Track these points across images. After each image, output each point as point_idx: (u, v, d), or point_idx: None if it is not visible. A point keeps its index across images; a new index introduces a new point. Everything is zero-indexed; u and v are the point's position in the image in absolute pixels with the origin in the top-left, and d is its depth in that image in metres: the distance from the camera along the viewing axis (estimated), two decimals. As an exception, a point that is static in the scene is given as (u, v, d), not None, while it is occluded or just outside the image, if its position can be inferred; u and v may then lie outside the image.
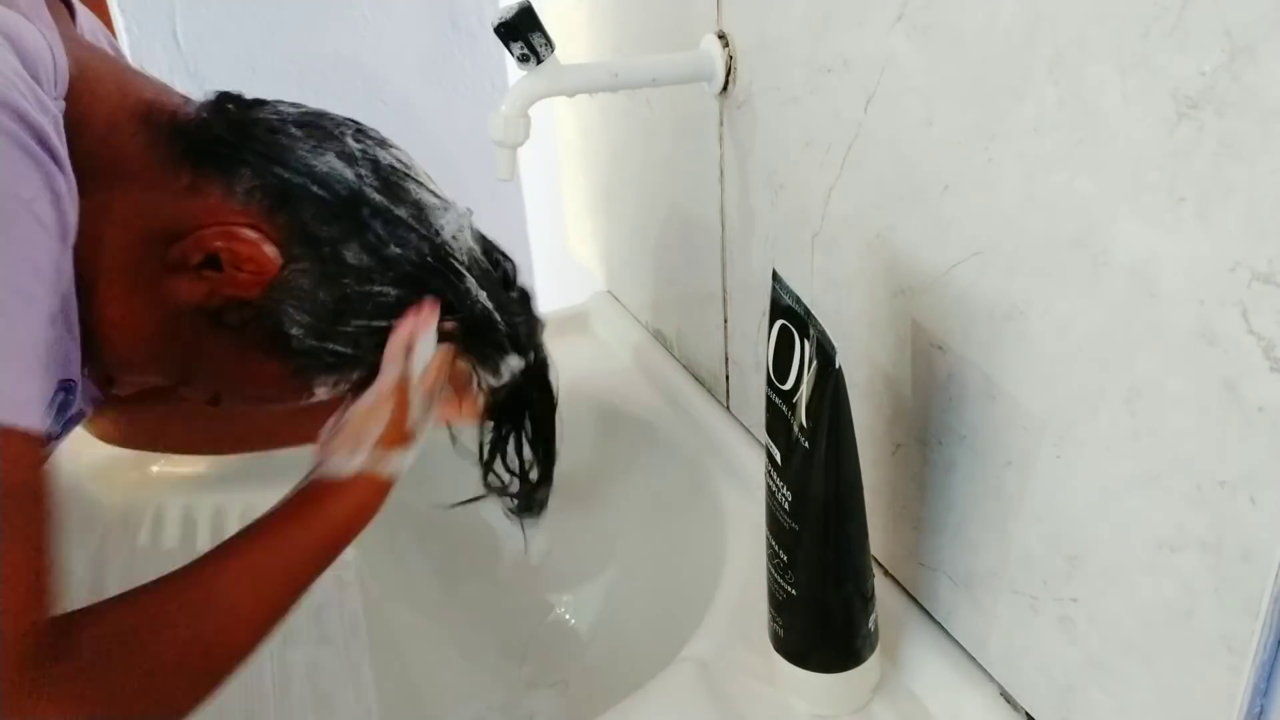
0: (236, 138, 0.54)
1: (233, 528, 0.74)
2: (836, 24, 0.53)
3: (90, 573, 0.73)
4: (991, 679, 0.53)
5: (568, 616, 0.87)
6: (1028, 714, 0.50)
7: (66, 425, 0.53)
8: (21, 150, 0.42)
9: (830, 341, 0.45)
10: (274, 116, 0.56)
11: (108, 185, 0.50)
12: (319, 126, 0.57)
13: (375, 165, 0.57)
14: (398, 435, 0.57)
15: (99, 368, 0.54)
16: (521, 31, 0.57)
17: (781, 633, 0.53)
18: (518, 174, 0.63)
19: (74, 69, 0.49)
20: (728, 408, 0.79)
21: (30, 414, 0.41)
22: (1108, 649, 0.44)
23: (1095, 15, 0.37)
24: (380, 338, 0.57)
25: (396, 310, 0.56)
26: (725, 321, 0.76)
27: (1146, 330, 0.38)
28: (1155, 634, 0.41)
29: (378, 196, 0.56)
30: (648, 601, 0.82)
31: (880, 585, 0.54)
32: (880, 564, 0.60)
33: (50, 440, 0.49)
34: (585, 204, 1.02)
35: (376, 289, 0.56)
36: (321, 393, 0.58)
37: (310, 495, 0.55)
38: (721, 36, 0.65)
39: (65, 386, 0.50)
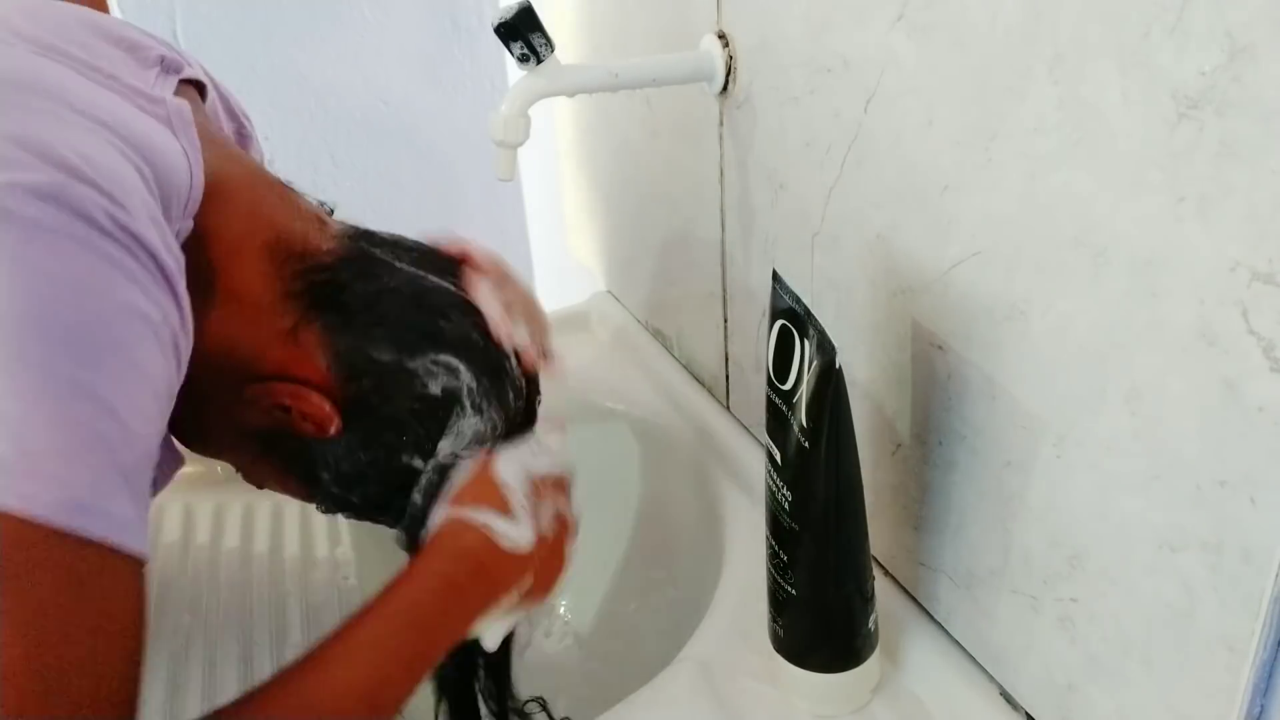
0: (358, 298, 0.54)
1: (233, 527, 0.74)
2: (836, 24, 0.53)
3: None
4: (991, 679, 0.53)
5: (568, 616, 0.87)
6: (1028, 714, 0.50)
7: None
8: (156, 277, 0.42)
9: (830, 341, 0.45)
10: (400, 282, 0.55)
11: (217, 304, 0.50)
12: (436, 309, 0.56)
13: (470, 380, 0.56)
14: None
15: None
16: (521, 31, 0.57)
17: (781, 633, 0.53)
18: (518, 174, 0.63)
19: (209, 180, 0.48)
20: (728, 408, 0.79)
21: (141, 539, 0.40)
22: (1108, 649, 0.44)
23: (1095, 15, 0.37)
24: (399, 500, 0.57)
25: (423, 482, 0.57)
26: (725, 321, 0.76)
27: (1146, 330, 0.38)
28: (1155, 634, 0.41)
29: (457, 408, 0.56)
30: (648, 601, 0.82)
31: (880, 585, 0.54)
32: (880, 564, 0.60)
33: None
34: (585, 204, 1.02)
35: (411, 464, 0.57)
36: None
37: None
38: (721, 36, 0.65)
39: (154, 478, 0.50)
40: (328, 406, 0.53)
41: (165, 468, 0.53)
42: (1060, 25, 0.39)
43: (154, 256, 0.42)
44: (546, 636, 0.86)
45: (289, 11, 1.13)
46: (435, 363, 0.55)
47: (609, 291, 1.01)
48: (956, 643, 0.55)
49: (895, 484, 0.57)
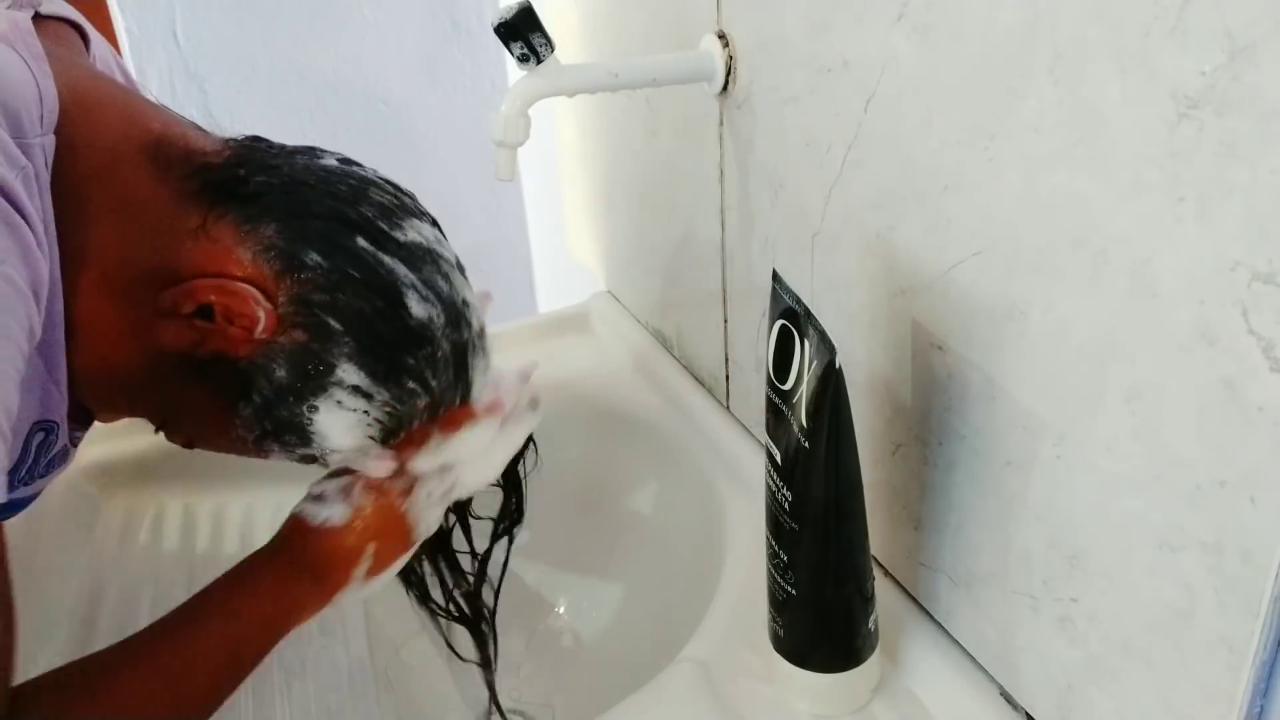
0: (270, 186, 0.51)
1: (233, 527, 0.74)
2: (836, 24, 0.53)
3: (90, 574, 0.73)
4: (991, 679, 0.53)
5: (568, 616, 0.87)
6: (1028, 714, 0.50)
7: (50, 465, 0.51)
8: None
9: (830, 341, 0.45)
10: (320, 172, 0.53)
11: (104, 218, 0.47)
12: (373, 200, 0.54)
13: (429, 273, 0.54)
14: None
15: (79, 402, 0.51)
16: (521, 31, 0.57)
17: (781, 633, 0.53)
18: (518, 174, 0.63)
19: (70, 98, 0.47)
20: (728, 408, 0.79)
21: None
22: (1108, 649, 0.44)
23: (1095, 15, 0.37)
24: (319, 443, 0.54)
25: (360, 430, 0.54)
26: (725, 321, 0.76)
27: (1146, 330, 0.38)
28: (1155, 634, 0.41)
29: (415, 311, 0.53)
30: (648, 601, 0.82)
31: (880, 585, 0.54)
32: (880, 564, 0.60)
33: (32, 483, 0.50)
34: (585, 204, 1.02)
35: (349, 402, 0.53)
36: (281, 458, 0.56)
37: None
38: (721, 36, 0.65)
39: (45, 427, 0.48)
40: (254, 294, 0.49)
41: (73, 429, 0.52)
42: (1060, 25, 0.39)
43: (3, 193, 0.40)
44: (546, 636, 0.86)
45: (289, 11, 1.13)
46: (389, 255, 0.52)
47: (609, 291, 1.01)
48: (956, 643, 0.55)
49: (895, 484, 0.57)
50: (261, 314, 0.49)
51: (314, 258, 0.51)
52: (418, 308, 0.53)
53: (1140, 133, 0.36)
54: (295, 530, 0.56)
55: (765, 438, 0.50)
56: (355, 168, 0.57)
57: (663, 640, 0.69)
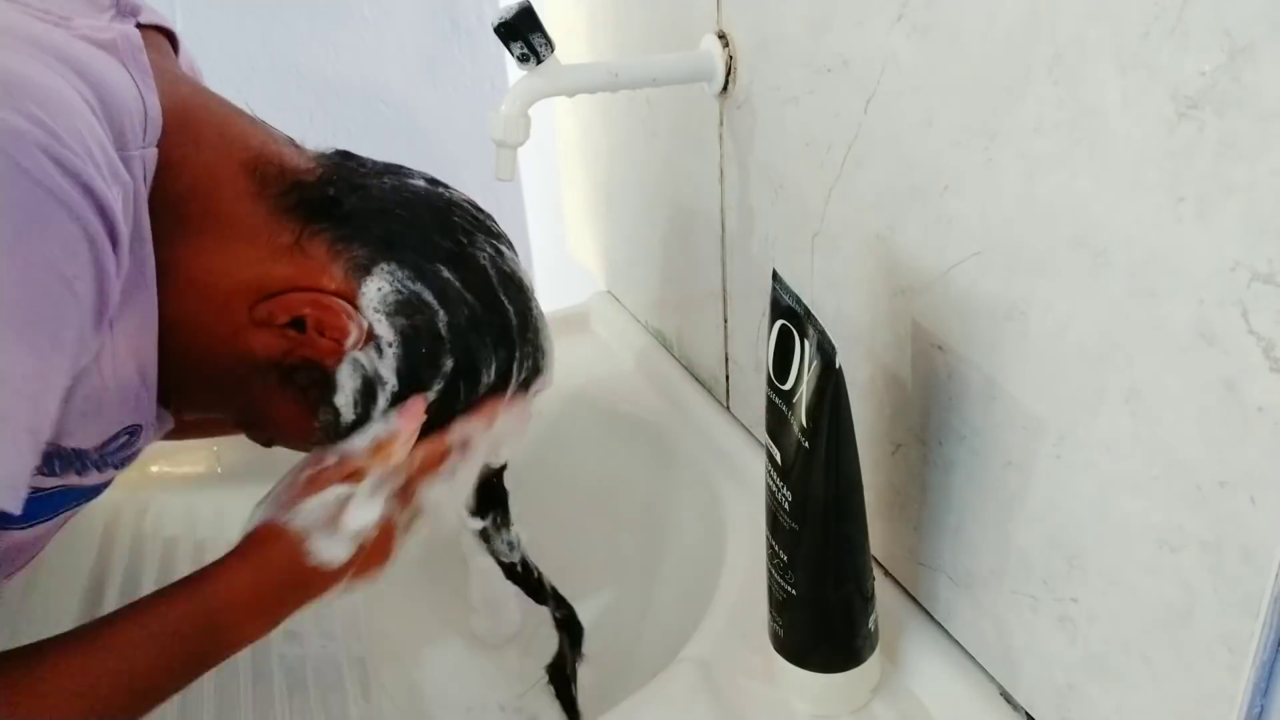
0: (361, 206, 0.53)
1: (233, 527, 0.74)
2: (836, 24, 0.53)
3: (91, 575, 0.72)
4: (991, 679, 0.53)
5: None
6: (1028, 714, 0.50)
7: (123, 463, 0.53)
8: (78, 225, 0.40)
9: (830, 341, 0.45)
10: (404, 193, 0.55)
11: (202, 231, 0.49)
12: (454, 224, 0.56)
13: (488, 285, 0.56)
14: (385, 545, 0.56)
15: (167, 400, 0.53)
16: (521, 31, 0.57)
17: (781, 633, 0.53)
18: (518, 174, 0.63)
19: (172, 112, 0.48)
20: (728, 408, 0.79)
21: (8, 502, 0.39)
22: (1108, 649, 0.44)
23: (1095, 15, 0.37)
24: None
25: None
26: (725, 321, 0.76)
27: (1146, 330, 0.38)
28: (1155, 634, 0.41)
29: (469, 327, 0.55)
30: (648, 601, 0.82)
31: (880, 585, 0.54)
32: (880, 564, 0.60)
33: (99, 485, 0.51)
34: (585, 204, 1.02)
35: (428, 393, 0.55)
36: None
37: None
38: (721, 36, 0.65)
39: (131, 430, 0.50)
40: (349, 308, 0.51)
41: (156, 430, 0.53)
42: (1060, 25, 0.39)
43: (89, 190, 0.40)
44: (546, 636, 0.86)
45: (289, 11, 1.13)
46: (467, 263, 0.54)
47: (609, 291, 1.01)
48: (956, 643, 0.55)
49: (895, 484, 0.57)
50: (353, 328, 0.51)
51: (401, 279, 0.53)
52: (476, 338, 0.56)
53: (1140, 133, 0.36)
54: (287, 557, 0.53)
55: (765, 438, 0.50)
56: (440, 189, 0.59)
57: (663, 640, 0.69)
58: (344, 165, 0.55)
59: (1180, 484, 0.38)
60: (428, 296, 0.54)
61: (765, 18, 0.60)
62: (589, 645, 0.76)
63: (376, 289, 0.52)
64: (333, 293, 0.51)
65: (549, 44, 0.59)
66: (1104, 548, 0.43)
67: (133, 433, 0.50)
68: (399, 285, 0.53)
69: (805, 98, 0.57)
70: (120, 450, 0.51)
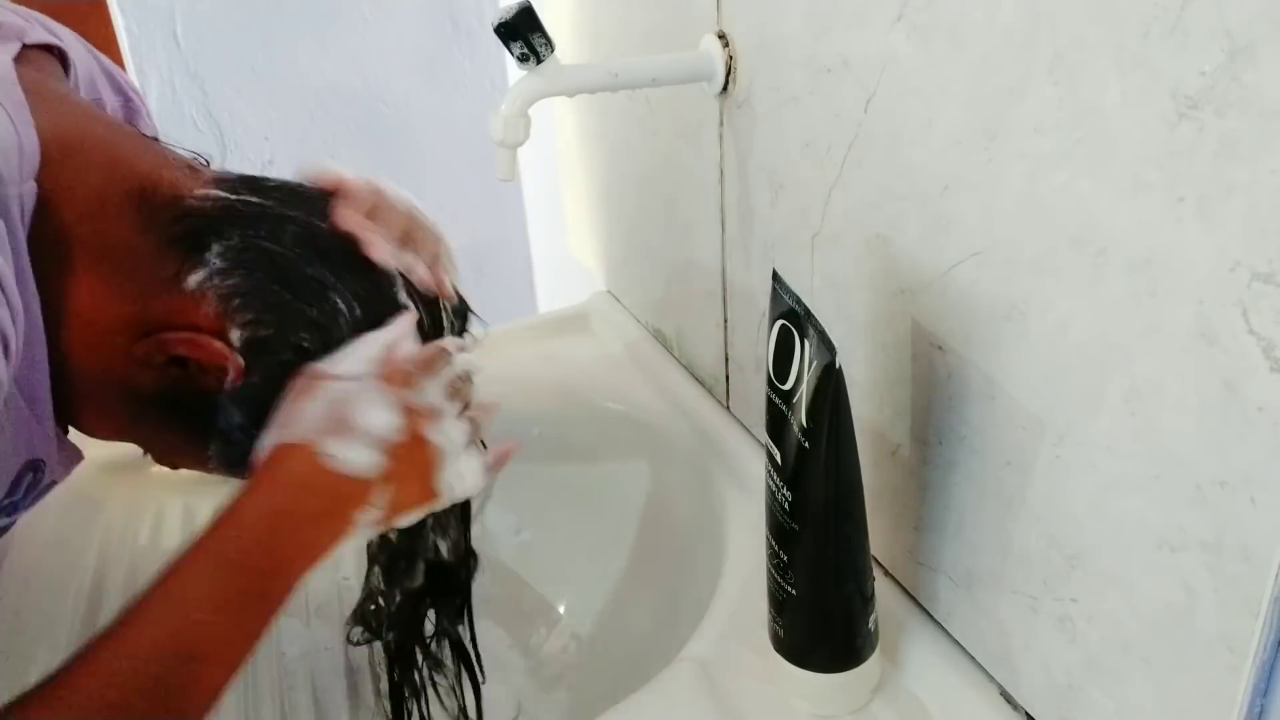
0: (243, 235, 0.51)
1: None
2: (836, 24, 0.53)
3: (92, 575, 0.72)
4: (991, 679, 0.53)
5: (568, 617, 0.87)
6: (1028, 714, 0.50)
7: (40, 495, 0.52)
8: None
9: (830, 341, 0.45)
10: (295, 227, 0.52)
11: (86, 265, 0.48)
12: (316, 248, 0.53)
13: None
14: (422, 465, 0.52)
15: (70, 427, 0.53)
16: (521, 31, 0.57)
17: (781, 633, 0.53)
18: (518, 174, 0.63)
19: (55, 141, 0.47)
20: (728, 408, 0.79)
21: None
22: (1108, 649, 0.44)
23: (1095, 15, 0.37)
24: None
25: None
26: (725, 321, 0.76)
27: (1146, 330, 0.38)
28: (1155, 634, 0.41)
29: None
30: (648, 601, 0.82)
31: (880, 585, 0.54)
32: (880, 564, 0.60)
33: (14, 515, 0.50)
34: (585, 204, 1.02)
35: None
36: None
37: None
38: (721, 36, 0.65)
39: (34, 466, 0.49)
40: (223, 349, 0.50)
41: (63, 465, 0.52)
42: (1060, 25, 0.39)
43: None
44: (546, 637, 0.86)
45: (289, 12, 1.14)
46: (321, 297, 0.51)
47: (609, 291, 1.01)
48: (956, 643, 0.55)
49: (895, 484, 0.57)
50: (230, 367, 0.51)
51: (277, 313, 0.51)
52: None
53: (1140, 133, 0.36)
54: (305, 466, 0.49)
55: (765, 438, 0.50)
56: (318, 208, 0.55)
57: (663, 640, 0.69)
58: (234, 203, 0.52)
59: (1180, 484, 0.38)
60: (305, 332, 0.51)
61: (765, 18, 0.60)
62: (589, 645, 0.76)
63: (256, 321, 0.51)
64: (209, 330, 0.50)
65: (549, 44, 0.59)
66: (1104, 548, 0.43)
67: (35, 469, 0.50)
68: (275, 318, 0.51)
69: (805, 98, 0.57)
70: (30, 489, 0.50)
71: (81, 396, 0.50)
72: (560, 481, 0.85)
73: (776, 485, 0.50)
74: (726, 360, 0.78)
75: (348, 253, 0.53)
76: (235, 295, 0.50)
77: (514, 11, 0.56)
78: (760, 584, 0.54)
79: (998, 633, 0.51)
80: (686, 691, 0.56)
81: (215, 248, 0.50)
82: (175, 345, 0.49)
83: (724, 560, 0.66)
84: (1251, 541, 0.36)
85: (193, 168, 0.53)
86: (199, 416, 0.52)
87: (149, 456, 0.58)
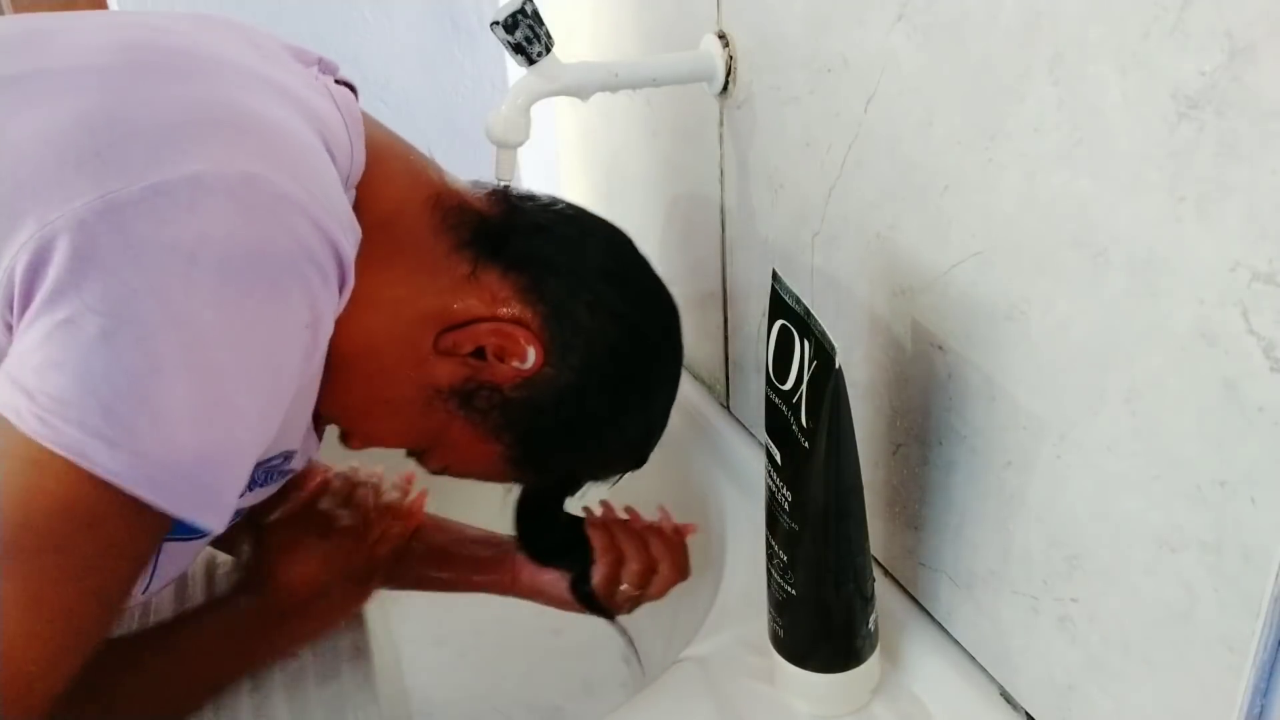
0: (533, 237, 0.55)
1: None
2: (836, 24, 0.53)
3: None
4: (991, 679, 0.53)
5: (568, 616, 0.87)
6: (1028, 714, 0.50)
7: (277, 482, 0.55)
8: (320, 278, 0.43)
9: (830, 341, 0.45)
10: (572, 231, 0.58)
11: (389, 263, 0.51)
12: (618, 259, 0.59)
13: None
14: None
15: (342, 428, 0.57)
16: (520, 30, 0.57)
17: (782, 633, 0.53)
18: (518, 174, 0.63)
19: (369, 152, 0.51)
20: (728, 408, 0.79)
21: (223, 520, 0.42)
22: (1108, 649, 0.44)
23: (1095, 15, 0.37)
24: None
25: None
26: (725, 321, 0.76)
27: (1146, 330, 0.38)
28: (1155, 634, 0.41)
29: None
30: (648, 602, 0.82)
31: (880, 585, 0.54)
32: (880, 564, 0.60)
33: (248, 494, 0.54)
34: (585, 204, 1.02)
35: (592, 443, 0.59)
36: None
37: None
38: (721, 36, 0.65)
39: (285, 455, 0.52)
40: (526, 337, 0.54)
41: (302, 456, 0.56)
42: (1060, 25, 0.39)
43: (336, 250, 0.44)
44: (546, 637, 0.86)
45: (289, 12, 1.13)
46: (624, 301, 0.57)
47: (609, 291, 1.00)
48: (956, 643, 0.55)
49: (895, 484, 0.57)
50: (531, 351, 0.54)
51: (573, 307, 0.55)
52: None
53: (1140, 133, 0.36)
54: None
55: (765, 438, 0.50)
56: (596, 216, 0.61)
57: (663, 640, 0.69)
58: (518, 208, 0.57)
59: (1180, 484, 0.38)
60: (601, 323, 0.56)
61: (765, 18, 0.60)
62: (589, 645, 0.76)
63: (554, 314, 0.55)
64: (510, 320, 0.54)
65: (549, 43, 0.59)
66: (1104, 548, 0.43)
67: (286, 456, 0.53)
68: (569, 311, 0.55)
69: (805, 98, 0.57)
70: (271, 475, 0.54)
71: (373, 395, 0.53)
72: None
73: (776, 485, 0.50)
74: (726, 360, 0.78)
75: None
76: (530, 290, 0.54)
77: (513, 10, 0.56)
78: (760, 584, 0.54)
79: (998, 633, 0.51)
80: (686, 691, 0.56)
81: (508, 248, 0.54)
82: (483, 335, 0.53)
83: (724, 560, 0.66)
84: (1251, 541, 0.36)
85: (471, 182, 0.58)
86: (489, 410, 0.55)
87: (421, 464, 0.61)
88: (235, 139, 0.41)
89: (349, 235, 0.46)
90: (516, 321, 0.54)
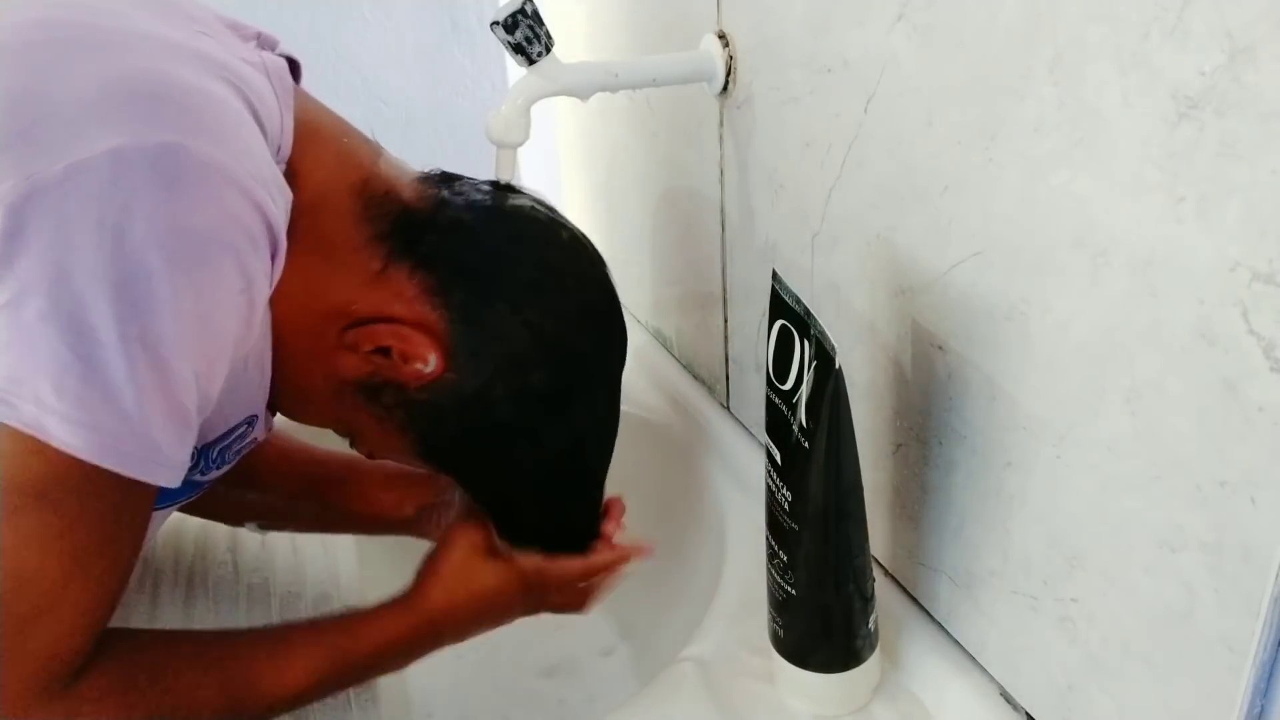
0: (450, 235, 0.53)
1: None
2: (836, 24, 0.53)
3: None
4: (991, 679, 0.53)
5: (567, 616, 0.87)
6: (1028, 714, 0.50)
7: (241, 451, 0.55)
8: (251, 245, 0.44)
9: (830, 341, 0.45)
10: (500, 232, 0.55)
11: (306, 248, 0.50)
12: (545, 262, 0.56)
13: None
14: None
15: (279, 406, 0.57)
16: (520, 30, 0.57)
17: (782, 633, 0.53)
18: (518, 174, 0.63)
19: (299, 129, 0.50)
20: (728, 408, 0.79)
21: (177, 477, 0.44)
22: (1108, 649, 0.44)
23: (1095, 15, 0.37)
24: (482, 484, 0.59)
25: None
26: (725, 321, 0.76)
27: (1146, 330, 0.38)
28: (1155, 634, 0.41)
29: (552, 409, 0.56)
30: (648, 601, 0.82)
31: (880, 585, 0.54)
32: (880, 564, 0.60)
33: (211, 472, 0.54)
34: (585, 204, 1.02)
35: (498, 450, 0.57)
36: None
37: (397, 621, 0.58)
38: (721, 36, 0.65)
39: (249, 421, 0.53)
40: (428, 344, 0.52)
41: (265, 426, 0.56)
42: (1060, 25, 0.39)
43: (267, 218, 0.44)
44: (546, 636, 0.86)
45: (288, 12, 1.13)
46: (541, 312, 0.54)
47: (609, 291, 1.01)
48: (956, 643, 0.55)
49: (895, 484, 0.57)
50: (432, 357, 0.52)
51: (482, 313, 0.53)
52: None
53: (1140, 133, 0.36)
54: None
55: (765, 438, 0.50)
56: (540, 212, 0.57)
57: (663, 640, 0.69)
58: (444, 200, 0.55)
59: (1180, 484, 0.38)
60: (509, 331, 0.54)
61: (765, 18, 0.60)
62: (589, 644, 0.75)
63: (461, 319, 0.53)
64: (412, 323, 0.52)
65: (548, 42, 0.59)
66: (1104, 548, 0.43)
67: (250, 422, 0.53)
68: (480, 317, 0.54)
69: (805, 98, 0.57)
70: (237, 441, 0.54)
71: (288, 376, 0.53)
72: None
73: (776, 485, 0.50)
74: (726, 360, 0.78)
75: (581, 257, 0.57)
76: (438, 293, 0.52)
77: (513, 10, 0.56)
78: (760, 584, 0.54)
79: (998, 633, 0.51)
80: (686, 691, 0.56)
81: (423, 245, 0.53)
82: (385, 336, 0.52)
83: (724, 560, 0.66)
84: (1251, 541, 0.36)
85: (404, 168, 0.56)
86: (394, 406, 0.54)
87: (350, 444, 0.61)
88: (154, 109, 0.42)
89: (279, 199, 0.46)
90: (418, 324, 0.52)
